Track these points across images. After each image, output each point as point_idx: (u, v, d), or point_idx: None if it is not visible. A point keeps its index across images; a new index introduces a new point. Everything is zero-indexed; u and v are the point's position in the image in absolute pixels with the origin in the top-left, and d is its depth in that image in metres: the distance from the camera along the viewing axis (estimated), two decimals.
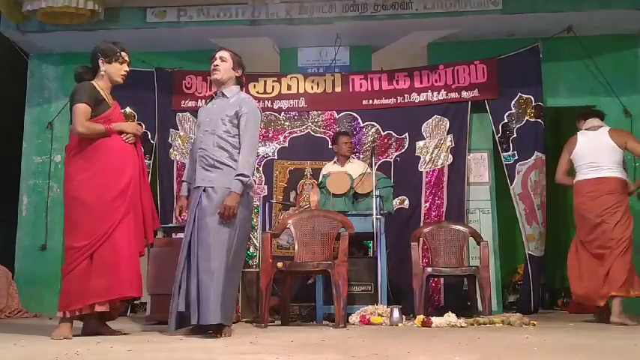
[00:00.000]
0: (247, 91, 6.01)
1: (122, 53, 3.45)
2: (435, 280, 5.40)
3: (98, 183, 3.26)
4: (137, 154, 3.46)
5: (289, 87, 6.06)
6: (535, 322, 4.12)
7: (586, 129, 4.65)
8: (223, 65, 3.52)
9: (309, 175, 5.90)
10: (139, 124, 3.72)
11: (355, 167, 5.19)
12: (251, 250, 5.70)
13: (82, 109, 3.28)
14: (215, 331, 3.24)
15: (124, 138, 3.36)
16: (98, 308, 3.18)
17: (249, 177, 3.31)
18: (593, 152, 4.49)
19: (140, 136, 3.51)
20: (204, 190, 3.36)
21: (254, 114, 3.45)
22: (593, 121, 4.66)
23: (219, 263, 3.23)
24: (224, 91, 3.54)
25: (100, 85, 3.42)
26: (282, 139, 6.00)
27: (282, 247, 5.69)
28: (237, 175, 3.30)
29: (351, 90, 6.00)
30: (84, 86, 3.38)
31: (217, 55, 3.56)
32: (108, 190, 3.26)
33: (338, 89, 6.02)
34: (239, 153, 3.39)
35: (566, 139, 7.19)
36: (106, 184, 3.26)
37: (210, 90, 5.98)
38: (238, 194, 3.28)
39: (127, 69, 3.49)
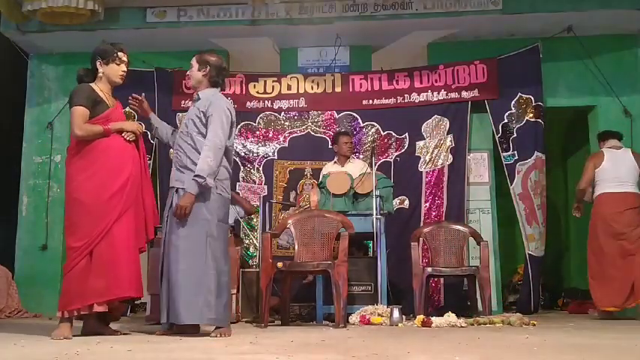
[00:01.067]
0: (247, 91, 6.04)
1: (119, 54, 3.44)
2: (435, 280, 5.40)
3: (96, 182, 3.26)
4: (138, 151, 3.46)
5: (289, 87, 6.06)
6: (535, 322, 4.12)
7: (608, 147, 5.11)
8: (191, 72, 3.58)
9: (309, 175, 5.90)
10: (140, 124, 3.71)
11: (355, 167, 5.19)
12: (251, 250, 5.70)
13: (80, 111, 3.29)
14: (215, 330, 3.26)
15: (125, 136, 3.37)
16: (97, 308, 3.17)
17: (204, 179, 3.27)
18: (618, 168, 4.96)
19: (141, 134, 3.50)
20: (176, 191, 3.38)
21: (219, 115, 3.40)
22: (614, 142, 5.14)
23: (187, 264, 3.26)
24: (199, 94, 3.58)
25: (100, 86, 3.42)
26: (282, 139, 6.00)
27: (282, 247, 5.69)
28: (195, 175, 3.29)
29: (351, 90, 6.00)
30: (81, 88, 3.39)
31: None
32: (105, 189, 3.25)
33: (338, 89, 6.02)
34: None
35: (566, 138, 7.20)
36: (104, 183, 3.26)
37: None
38: (192, 195, 3.28)
39: (125, 69, 3.48)
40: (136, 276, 3.31)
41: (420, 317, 4.03)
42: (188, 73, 3.63)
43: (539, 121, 5.76)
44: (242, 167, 5.95)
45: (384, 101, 5.96)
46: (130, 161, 3.37)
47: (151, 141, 5.86)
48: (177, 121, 6.01)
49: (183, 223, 3.30)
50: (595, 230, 4.95)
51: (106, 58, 3.42)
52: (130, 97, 3.67)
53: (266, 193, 5.85)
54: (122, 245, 3.24)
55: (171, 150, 5.87)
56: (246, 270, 5.03)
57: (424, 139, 5.86)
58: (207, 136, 3.36)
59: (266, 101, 6.04)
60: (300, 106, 6.03)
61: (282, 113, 6.04)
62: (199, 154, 3.37)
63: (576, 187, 5.20)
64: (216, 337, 3.17)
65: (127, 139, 3.37)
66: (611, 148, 5.08)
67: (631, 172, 4.96)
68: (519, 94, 5.81)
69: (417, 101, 5.92)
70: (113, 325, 3.49)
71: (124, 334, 3.41)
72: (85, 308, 3.16)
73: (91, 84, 3.42)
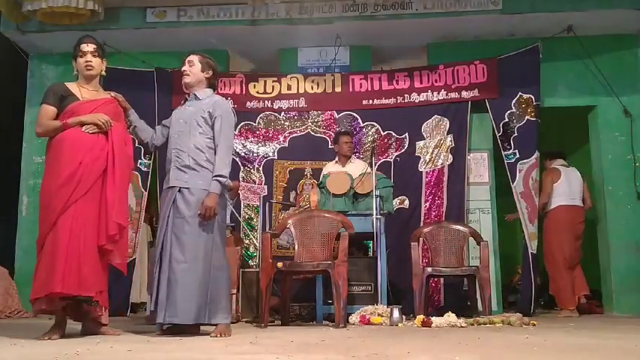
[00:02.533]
0: (247, 91, 6.05)
1: (81, 46, 3.39)
2: (435, 280, 5.40)
3: (49, 176, 3.21)
4: (105, 143, 3.28)
5: (289, 87, 6.06)
6: (535, 322, 4.12)
7: (559, 165, 5.74)
8: (192, 69, 3.56)
9: (309, 175, 5.90)
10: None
11: (356, 167, 5.19)
12: (251, 250, 5.70)
13: (42, 110, 3.31)
14: (216, 330, 3.25)
15: (84, 129, 3.24)
16: (37, 306, 3.12)
17: (226, 177, 3.37)
18: (571, 184, 5.61)
19: (105, 125, 3.27)
20: (179, 191, 3.37)
21: (228, 115, 3.48)
22: (562, 161, 5.80)
23: (193, 264, 3.26)
24: (196, 94, 3.57)
25: (80, 82, 3.41)
26: (282, 139, 6.00)
27: (282, 247, 5.69)
28: (215, 176, 3.34)
29: (351, 90, 6.00)
30: (50, 87, 3.42)
31: (186, 60, 3.60)
32: (54, 181, 3.17)
33: (338, 89, 6.02)
34: (214, 154, 3.42)
35: (566, 138, 7.20)
36: (53, 175, 3.19)
37: None
38: (217, 194, 3.32)
39: (90, 59, 3.38)
40: (77, 272, 3.06)
41: (420, 317, 4.03)
42: (186, 69, 3.56)
43: (539, 120, 5.76)
44: (242, 167, 5.95)
45: (384, 101, 5.96)
46: (84, 151, 3.20)
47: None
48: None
49: (189, 223, 3.30)
50: (552, 239, 5.54)
51: (74, 56, 3.42)
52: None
53: (266, 193, 5.85)
54: (64, 238, 3.07)
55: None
56: (246, 270, 5.03)
57: (424, 139, 5.86)
58: (219, 137, 3.40)
59: (266, 101, 6.04)
60: (300, 106, 6.04)
61: (282, 113, 6.04)
62: (203, 153, 3.38)
63: (539, 200, 5.63)
64: (216, 336, 3.17)
65: (87, 132, 3.24)
66: (562, 166, 5.72)
67: (579, 188, 5.64)
68: (520, 93, 5.80)
69: (417, 101, 5.93)
70: (114, 326, 3.48)
71: (124, 333, 3.40)
72: (34, 303, 3.12)
73: (69, 82, 3.42)
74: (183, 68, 3.58)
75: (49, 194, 3.17)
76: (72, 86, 3.38)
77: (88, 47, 3.39)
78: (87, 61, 3.38)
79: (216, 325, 3.29)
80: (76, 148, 3.20)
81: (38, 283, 3.09)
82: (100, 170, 3.24)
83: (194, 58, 3.58)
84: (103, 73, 3.48)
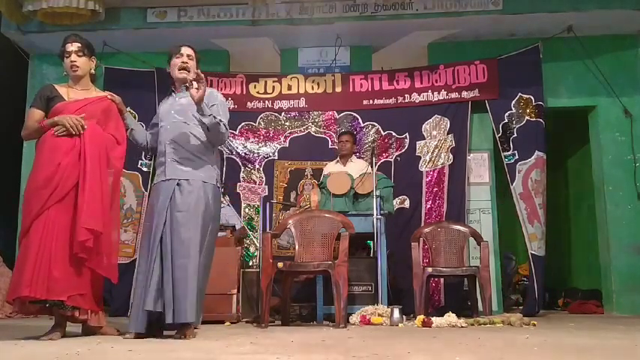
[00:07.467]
0: (248, 92, 6.06)
1: (66, 46, 3.34)
2: (436, 280, 5.40)
3: (30, 178, 3.18)
4: (81, 145, 3.16)
5: (290, 87, 6.07)
6: (535, 322, 4.12)
7: None
8: (191, 63, 3.49)
9: (309, 175, 5.91)
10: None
11: (357, 167, 5.19)
12: (251, 250, 5.71)
13: (29, 113, 3.30)
14: (179, 331, 3.15)
15: (54, 131, 3.17)
16: (13, 308, 3.12)
17: (219, 123, 3.27)
18: None
19: (72, 127, 3.15)
20: (177, 184, 3.27)
21: (223, 103, 3.50)
22: None
23: (195, 260, 3.17)
24: (188, 86, 3.46)
25: (70, 83, 3.37)
26: (282, 139, 6.01)
27: (282, 247, 5.69)
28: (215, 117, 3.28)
29: (351, 90, 6.01)
30: (38, 90, 3.40)
31: (184, 52, 3.49)
32: (31, 185, 3.13)
33: (338, 89, 6.02)
34: (212, 147, 3.41)
35: (566, 138, 7.20)
36: (31, 178, 3.16)
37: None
38: (202, 102, 3.22)
39: (75, 58, 3.31)
40: (46, 276, 2.98)
41: (421, 317, 4.03)
42: (187, 61, 3.45)
43: (540, 120, 5.76)
44: (243, 167, 5.96)
45: (385, 101, 5.97)
46: (62, 154, 3.11)
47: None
48: None
49: (190, 217, 3.20)
50: None
51: (60, 56, 3.38)
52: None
53: (266, 194, 5.86)
54: (34, 243, 3.02)
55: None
56: (246, 270, 5.03)
57: (424, 139, 5.86)
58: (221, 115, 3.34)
59: (266, 101, 6.05)
60: (301, 106, 6.04)
61: (283, 113, 6.05)
62: (200, 144, 3.33)
63: None
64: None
65: (57, 134, 3.15)
66: None
67: None
68: (519, 94, 5.81)
69: (417, 101, 5.93)
70: (115, 325, 3.49)
71: (125, 333, 3.40)
72: (12, 305, 3.10)
73: (60, 84, 3.39)
74: (183, 60, 3.45)
75: (28, 196, 3.14)
76: (60, 87, 3.35)
77: (72, 47, 3.32)
78: (72, 62, 3.31)
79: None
80: (54, 151, 3.13)
81: (10, 286, 3.09)
82: (78, 175, 3.13)
83: (192, 53, 3.51)
84: (92, 71, 3.41)
